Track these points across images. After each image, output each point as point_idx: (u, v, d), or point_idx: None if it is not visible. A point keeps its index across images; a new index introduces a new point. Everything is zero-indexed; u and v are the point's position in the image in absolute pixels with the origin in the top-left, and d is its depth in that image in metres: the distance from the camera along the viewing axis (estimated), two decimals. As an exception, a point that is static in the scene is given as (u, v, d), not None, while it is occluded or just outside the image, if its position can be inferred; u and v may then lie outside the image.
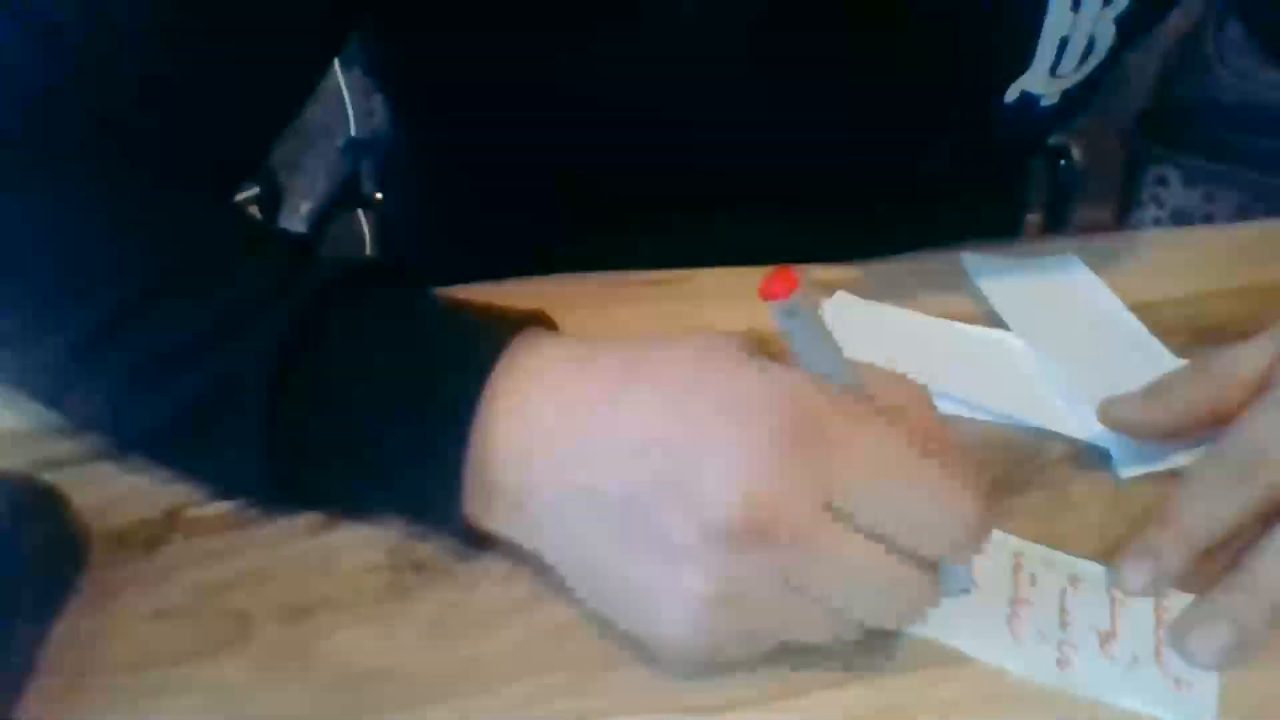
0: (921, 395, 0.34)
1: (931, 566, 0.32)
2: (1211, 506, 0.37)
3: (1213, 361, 0.41)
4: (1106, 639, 0.35)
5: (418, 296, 0.38)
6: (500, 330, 0.36)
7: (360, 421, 0.36)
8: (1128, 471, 0.42)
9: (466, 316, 0.38)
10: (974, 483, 0.32)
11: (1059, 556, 0.38)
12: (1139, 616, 0.36)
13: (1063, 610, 0.36)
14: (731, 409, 0.31)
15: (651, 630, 0.33)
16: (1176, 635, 0.35)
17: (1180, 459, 0.41)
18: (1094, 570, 0.37)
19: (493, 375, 0.35)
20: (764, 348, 0.33)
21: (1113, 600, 0.36)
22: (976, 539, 0.32)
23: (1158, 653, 0.35)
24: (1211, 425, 0.39)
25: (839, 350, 0.32)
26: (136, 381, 0.38)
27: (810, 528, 0.30)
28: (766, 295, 0.30)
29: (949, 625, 0.35)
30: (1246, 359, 0.40)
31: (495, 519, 0.36)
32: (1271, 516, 0.36)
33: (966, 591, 0.34)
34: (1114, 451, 0.42)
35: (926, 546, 0.31)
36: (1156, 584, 0.36)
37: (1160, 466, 0.42)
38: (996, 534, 0.38)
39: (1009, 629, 0.35)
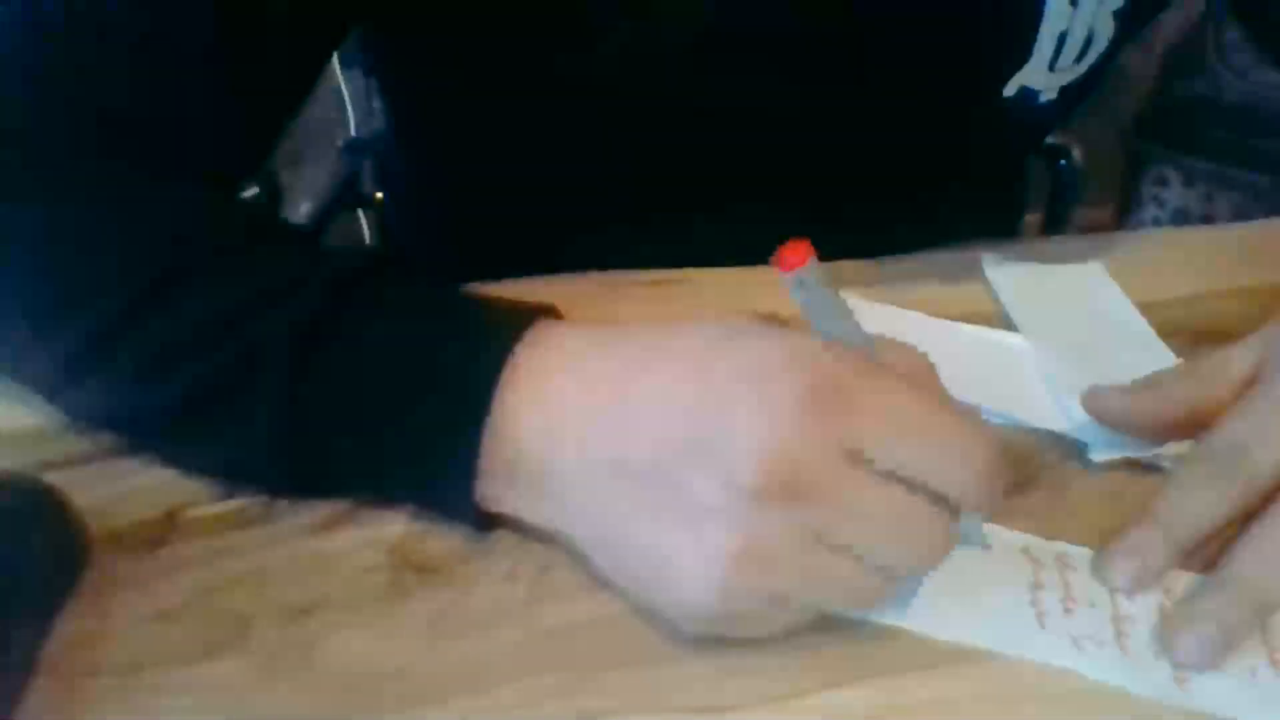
0: (927, 362, 0.35)
1: (951, 510, 0.33)
2: (1195, 504, 0.37)
3: (1202, 362, 0.41)
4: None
5: (435, 285, 0.39)
6: (519, 317, 0.37)
7: (377, 402, 0.36)
8: (1099, 455, 0.42)
9: (486, 304, 0.38)
10: (984, 430, 0.33)
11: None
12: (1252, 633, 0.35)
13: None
14: (752, 372, 0.32)
15: (674, 596, 0.33)
16: (1166, 637, 0.35)
17: (1154, 448, 0.41)
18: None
19: (513, 356, 0.35)
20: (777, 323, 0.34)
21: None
22: (991, 478, 0.33)
23: (1275, 662, 0.34)
24: (1197, 425, 0.40)
25: (852, 317, 0.34)
26: (152, 367, 0.38)
27: (832, 479, 0.31)
28: (781, 266, 0.32)
29: (1055, 645, 0.35)
30: (1235, 360, 0.40)
31: (516, 498, 0.36)
32: (1254, 513, 0.36)
33: (984, 546, 0.36)
34: (1088, 437, 0.42)
35: (946, 485, 0.32)
36: (1141, 580, 0.36)
37: (1132, 453, 0.42)
38: (1076, 549, 0.38)
39: (1119, 647, 0.35)
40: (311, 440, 0.37)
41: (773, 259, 0.32)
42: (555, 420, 0.35)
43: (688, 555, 0.32)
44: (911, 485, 0.32)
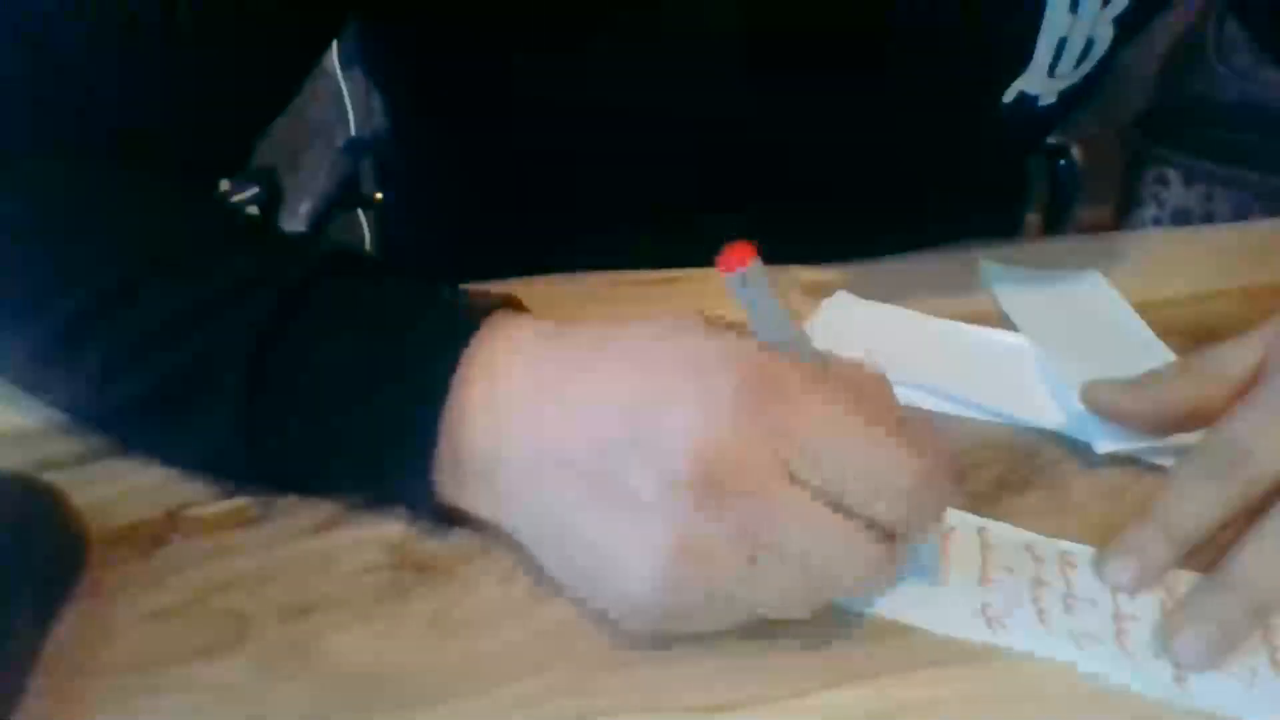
0: (879, 378, 0.35)
1: (890, 537, 0.32)
2: (1195, 504, 0.37)
3: (1201, 359, 0.41)
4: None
5: (395, 279, 0.39)
6: (474, 310, 0.37)
7: (334, 398, 0.36)
8: (1104, 447, 0.42)
9: (443, 297, 0.39)
10: (930, 452, 0.32)
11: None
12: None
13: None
14: (692, 368, 0.33)
15: (615, 590, 0.33)
16: (1164, 636, 0.35)
17: (1157, 440, 0.41)
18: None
19: (466, 351, 0.36)
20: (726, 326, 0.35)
21: None
22: (921, 499, 0.32)
23: (1275, 662, 0.34)
24: (1195, 422, 0.40)
25: (792, 319, 0.34)
26: (120, 359, 0.38)
27: (769, 480, 0.31)
28: (722, 267, 0.33)
29: (1056, 641, 0.35)
30: (1234, 358, 0.40)
31: (467, 492, 0.36)
32: (1254, 513, 0.36)
33: (932, 579, 0.36)
34: (1091, 430, 0.42)
35: (877, 508, 0.32)
36: (1143, 579, 0.37)
37: (1136, 445, 0.42)
38: (1078, 548, 0.38)
39: (1119, 646, 0.35)
40: (271, 437, 0.37)
41: (717, 259, 0.33)
42: (504, 414, 0.35)
43: (628, 549, 0.32)
44: (843, 503, 0.32)
